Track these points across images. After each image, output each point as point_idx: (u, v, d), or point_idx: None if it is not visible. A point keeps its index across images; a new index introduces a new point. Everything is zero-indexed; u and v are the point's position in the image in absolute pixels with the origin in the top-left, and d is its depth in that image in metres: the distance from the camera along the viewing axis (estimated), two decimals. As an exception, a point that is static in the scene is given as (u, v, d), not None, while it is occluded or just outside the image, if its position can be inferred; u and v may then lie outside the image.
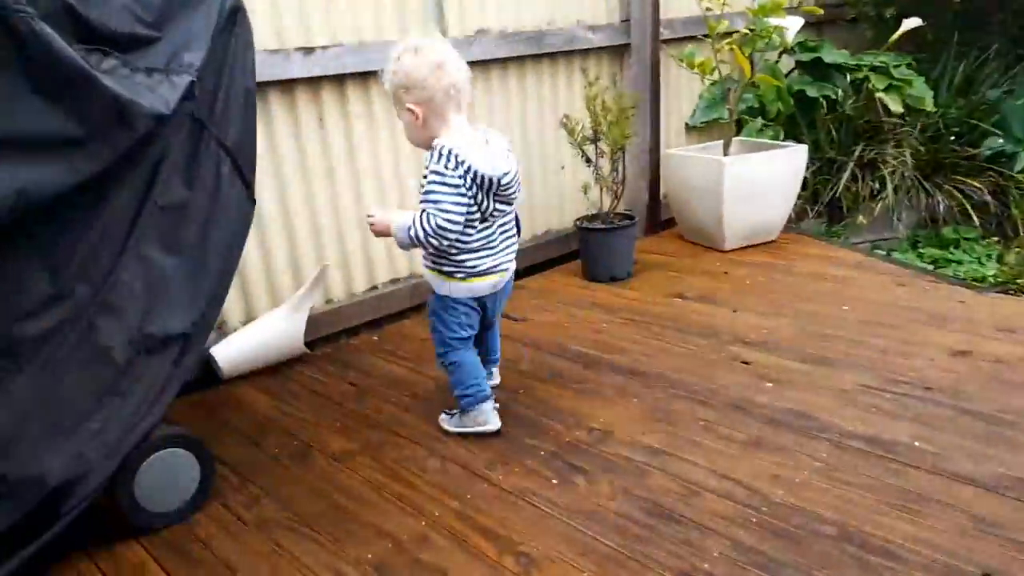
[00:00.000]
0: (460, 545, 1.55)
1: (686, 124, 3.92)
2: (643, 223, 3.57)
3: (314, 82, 2.51)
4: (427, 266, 1.92)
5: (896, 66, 3.86)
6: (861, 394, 2.01)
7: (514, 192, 1.88)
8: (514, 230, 1.97)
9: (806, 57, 3.92)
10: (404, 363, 2.45)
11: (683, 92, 3.86)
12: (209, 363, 2.35)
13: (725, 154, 3.28)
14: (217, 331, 2.44)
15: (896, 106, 3.77)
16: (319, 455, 1.93)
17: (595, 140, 2.98)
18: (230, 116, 1.70)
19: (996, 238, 3.65)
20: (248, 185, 1.78)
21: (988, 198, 3.66)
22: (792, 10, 3.27)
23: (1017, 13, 4.23)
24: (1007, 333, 2.30)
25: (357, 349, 2.60)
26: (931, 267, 3.35)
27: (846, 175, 3.73)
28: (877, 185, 3.72)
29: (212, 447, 1.98)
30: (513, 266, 1.99)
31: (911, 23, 3.64)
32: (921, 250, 3.63)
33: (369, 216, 1.90)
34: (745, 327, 2.49)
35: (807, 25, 3.26)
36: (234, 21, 1.68)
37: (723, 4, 3.10)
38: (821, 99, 3.84)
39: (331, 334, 2.67)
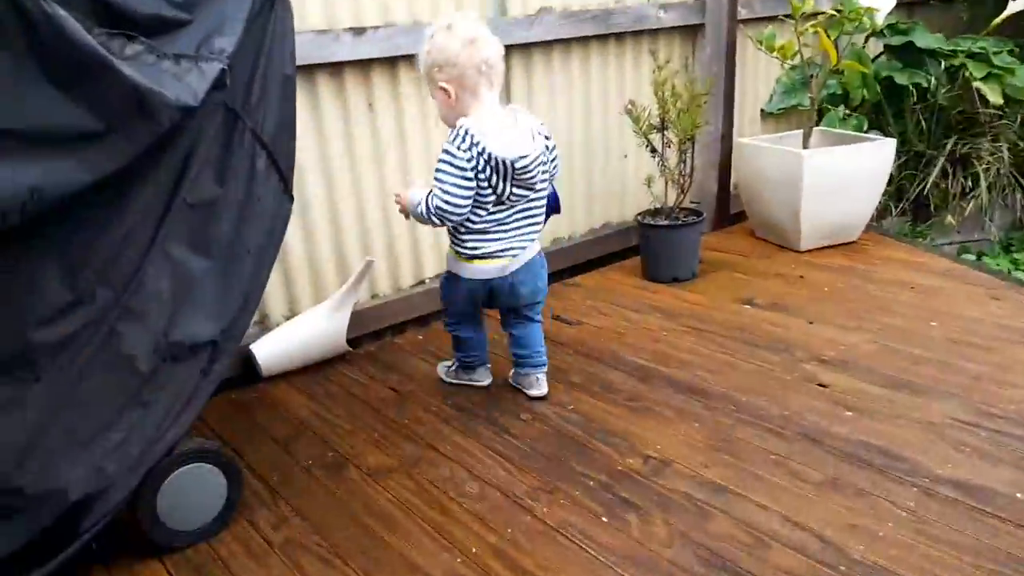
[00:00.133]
0: (497, 588, 1.41)
1: (761, 110, 3.66)
2: (711, 217, 3.34)
3: (364, 64, 2.36)
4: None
5: (997, 52, 3.51)
6: (951, 428, 1.80)
7: (534, 178, 1.81)
8: (537, 215, 1.90)
9: (896, 41, 3.59)
10: (448, 366, 2.32)
11: (760, 76, 3.60)
12: (249, 360, 2.25)
13: (805, 145, 3.02)
14: (259, 326, 2.34)
15: (995, 97, 3.43)
16: (353, 469, 1.82)
17: (662, 129, 2.77)
18: (266, 106, 1.56)
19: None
20: (285, 181, 1.64)
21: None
22: (883, -10, 2.98)
23: None
24: (1123, 363, 2.04)
25: (401, 349, 2.47)
26: (1028, 276, 3.08)
27: (935, 171, 3.44)
28: (969, 182, 3.42)
29: (244, 451, 1.91)
30: (529, 251, 1.91)
31: (1018, 5, 3.29)
32: (1016, 255, 3.34)
33: (396, 195, 1.95)
34: (821, 342, 2.28)
35: (898, 5, 2.96)
36: (272, 2, 1.54)
37: (809, -18, 2.84)
38: (911, 87, 3.52)
39: (376, 331, 2.55)
